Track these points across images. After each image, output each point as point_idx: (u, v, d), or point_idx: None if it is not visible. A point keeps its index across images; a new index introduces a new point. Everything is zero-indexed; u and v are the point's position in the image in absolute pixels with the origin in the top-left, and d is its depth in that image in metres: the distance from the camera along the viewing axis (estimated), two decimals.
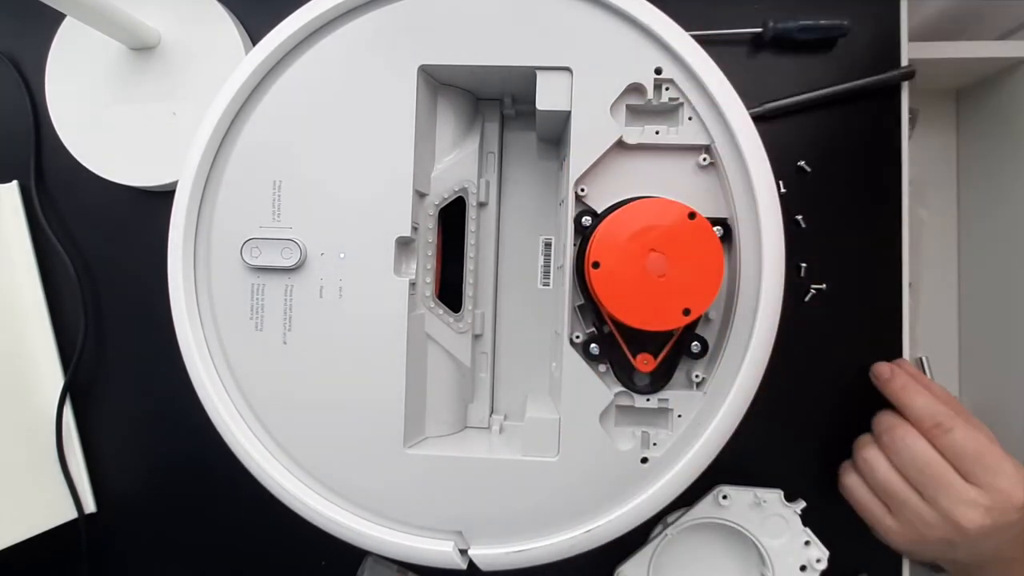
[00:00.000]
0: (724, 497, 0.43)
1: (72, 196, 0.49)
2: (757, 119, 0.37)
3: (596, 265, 0.32)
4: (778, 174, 0.34)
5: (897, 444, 0.40)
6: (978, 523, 0.37)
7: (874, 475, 0.41)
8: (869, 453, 0.42)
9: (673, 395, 0.35)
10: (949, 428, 0.38)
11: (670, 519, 0.44)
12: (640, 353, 0.34)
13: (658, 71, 0.34)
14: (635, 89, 0.34)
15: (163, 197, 0.48)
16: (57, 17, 0.46)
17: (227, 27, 0.46)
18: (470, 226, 0.40)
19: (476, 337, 0.40)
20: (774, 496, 0.43)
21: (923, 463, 0.39)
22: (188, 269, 0.36)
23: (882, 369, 0.43)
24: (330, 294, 0.35)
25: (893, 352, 0.46)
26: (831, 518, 0.44)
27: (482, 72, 0.36)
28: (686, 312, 0.32)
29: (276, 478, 0.35)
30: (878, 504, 0.41)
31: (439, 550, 0.34)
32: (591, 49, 0.34)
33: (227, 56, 0.46)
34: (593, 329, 0.35)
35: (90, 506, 0.49)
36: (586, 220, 0.34)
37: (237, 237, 0.35)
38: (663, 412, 0.35)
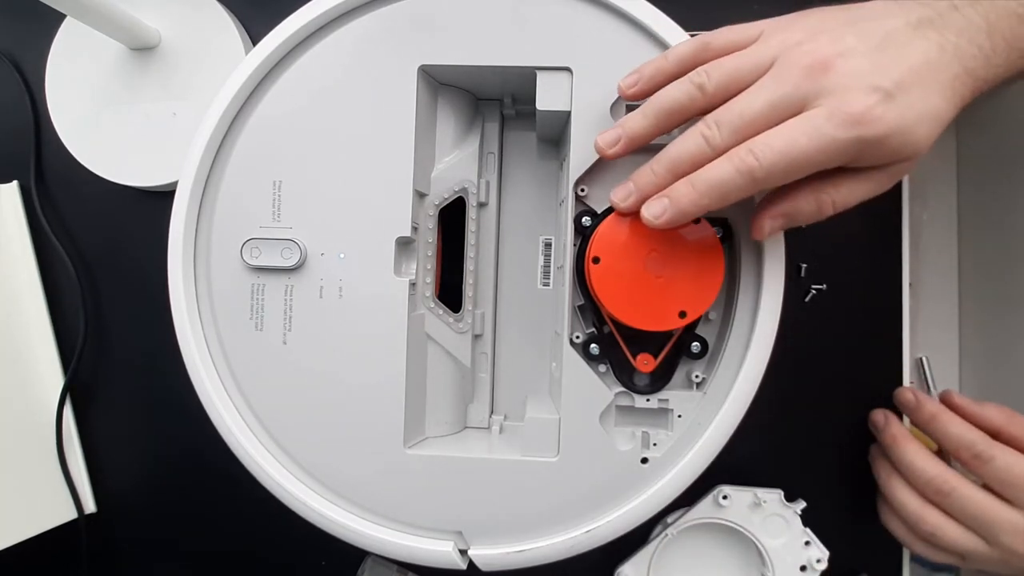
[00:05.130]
0: (724, 497, 0.43)
1: (72, 196, 0.49)
2: None
3: (596, 260, 0.32)
4: None
5: (949, 499, 0.37)
6: None
7: (932, 535, 0.38)
8: (927, 513, 0.38)
9: (673, 395, 0.35)
10: (988, 457, 0.37)
11: (670, 519, 0.44)
12: (640, 353, 0.34)
13: None
14: None
15: (163, 197, 0.48)
16: (57, 17, 0.46)
17: (227, 27, 0.46)
18: (470, 226, 0.39)
19: (476, 337, 0.40)
20: (774, 496, 0.43)
21: (975, 509, 0.37)
22: (188, 269, 0.36)
23: (907, 396, 0.42)
24: (330, 294, 0.35)
25: (893, 352, 0.46)
26: (831, 518, 0.44)
27: (482, 72, 0.36)
28: (682, 315, 0.32)
29: (276, 478, 0.35)
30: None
31: (439, 550, 0.34)
32: (591, 49, 0.34)
33: (227, 56, 0.46)
34: (593, 329, 0.35)
35: (90, 506, 0.49)
36: (586, 220, 0.34)
37: (237, 237, 0.35)
38: (663, 412, 0.35)
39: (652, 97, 0.30)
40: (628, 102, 0.34)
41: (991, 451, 0.37)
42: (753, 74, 0.28)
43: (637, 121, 0.31)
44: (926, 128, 0.27)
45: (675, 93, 0.30)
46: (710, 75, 0.29)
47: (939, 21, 0.28)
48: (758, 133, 0.27)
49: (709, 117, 0.29)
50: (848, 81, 0.27)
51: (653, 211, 0.29)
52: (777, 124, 0.27)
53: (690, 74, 0.30)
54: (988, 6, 0.28)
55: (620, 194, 0.31)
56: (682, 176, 0.29)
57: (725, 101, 0.29)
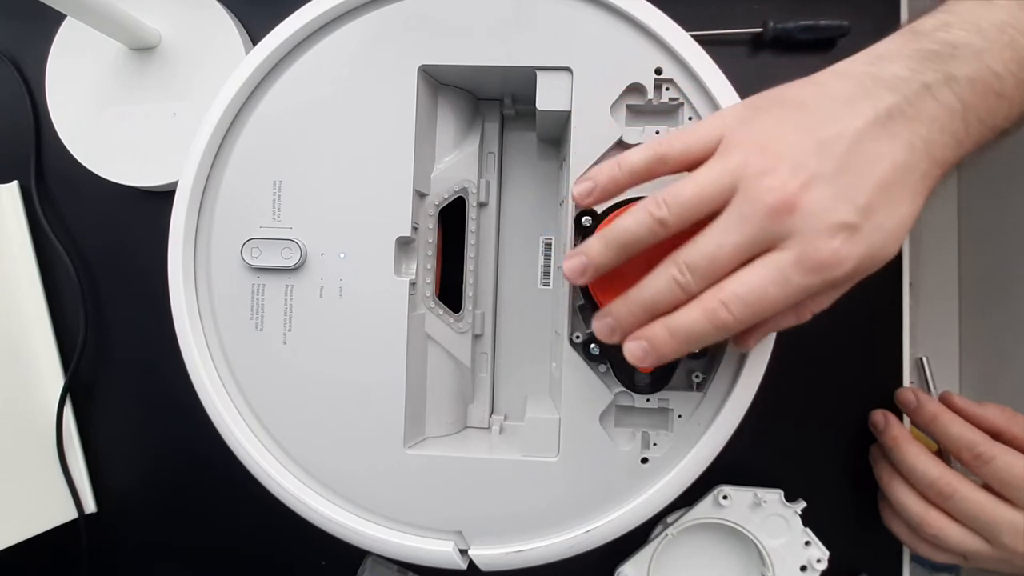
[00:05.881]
0: (724, 497, 0.43)
1: (72, 196, 0.49)
2: None
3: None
4: None
5: (950, 501, 0.38)
6: None
7: (935, 537, 0.39)
8: (929, 516, 0.39)
9: (673, 395, 0.35)
10: (988, 457, 0.37)
11: (670, 519, 0.44)
12: None
13: (658, 71, 0.34)
14: (635, 89, 0.34)
15: (163, 197, 0.48)
16: (57, 17, 0.46)
17: (227, 27, 0.46)
18: (470, 226, 0.40)
19: (476, 337, 0.40)
20: (774, 496, 0.43)
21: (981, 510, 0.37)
22: (188, 269, 0.36)
23: (907, 396, 0.42)
24: (330, 294, 0.35)
25: (893, 352, 0.46)
26: (831, 518, 0.44)
27: (482, 72, 0.36)
28: None
29: (276, 478, 0.35)
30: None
31: (439, 550, 0.34)
32: (591, 49, 0.34)
33: (227, 56, 0.46)
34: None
35: (90, 506, 0.49)
36: (586, 220, 0.34)
37: (237, 237, 0.35)
38: (663, 412, 0.35)
39: (613, 229, 0.29)
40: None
41: (992, 451, 0.37)
42: (714, 204, 0.28)
43: (600, 252, 0.30)
44: (894, 243, 0.27)
45: (635, 228, 0.29)
46: (671, 209, 0.28)
47: (910, 111, 0.27)
48: (728, 272, 0.27)
49: (680, 260, 0.28)
50: (813, 222, 0.26)
51: (636, 355, 0.29)
52: (745, 261, 0.27)
53: (649, 206, 0.28)
54: (965, 85, 0.27)
55: (604, 332, 0.31)
56: (659, 315, 0.29)
57: (685, 228, 0.28)
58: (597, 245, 0.30)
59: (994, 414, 0.39)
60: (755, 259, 0.27)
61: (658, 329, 0.28)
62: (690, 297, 0.28)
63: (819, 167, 0.26)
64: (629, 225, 0.29)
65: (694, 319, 0.27)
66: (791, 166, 0.26)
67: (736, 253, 0.27)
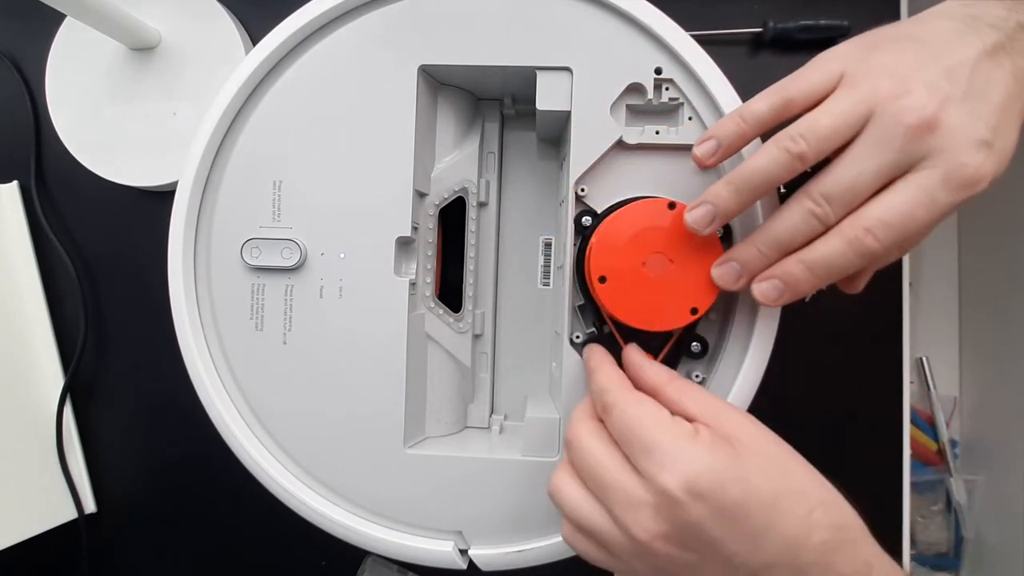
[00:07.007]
0: None
1: (72, 196, 0.49)
2: None
3: (603, 280, 0.32)
4: None
5: (572, 452, 0.28)
6: (652, 530, 0.25)
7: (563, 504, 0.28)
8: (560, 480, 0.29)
9: None
10: (610, 406, 0.28)
11: None
12: None
13: (658, 71, 0.34)
14: (635, 89, 0.34)
15: (163, 197, 0.48)
16: (57, 17, 0.46)
17: (227, 27, 0.46)
18: (470, 226, 0.40)
19: (476, 337, 0.40)
20: None
21: (593, 466, 0.27)
22: (188, 269, 0.36)
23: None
24: (330, 294, 0.35)
25: (893, 352, 0.46)
26: None
27: (482, 72, 0.36)
28: (694, 311, 0.31)
29: (276, 478, 0.35)
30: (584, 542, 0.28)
31: (439, 550, 0.34)
32: (591, 49, 0.34)
33: (227, 56, 0.46)
34: (593, 329, 0.35)
35: (90, 506, 0.49)
36: (586, 220, 0.34)
37: (237, 237, 0.35)
38: None
39: (743, 171, 0.28)
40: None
41: (614, 398, 0.28)
42: (850, 133, 0.27)
43: (729, 198, 0.29)
44: (1006, 164, 0.28)
45: (770, 167, 0.28)
46: (808, 142, 0.27)
47: (1010, 45, 0.28)
48: (864, 200, 0.27)
49: (815, 192, 0.28)
50: (956, 139, 0.26)
51: (770, 296, 0.29)
52: (882, 187, 0.27)
53: (784, 143, 0.28)
54: None
55: (729, 277, 0.30)
56: (789, 252, 0.28)
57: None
58: (725, 191, 0.29)
59: (655, 372, 0.30)
60: (892, 184, 0.27)
61: (792, 266, 0.28)
62: (826, 229, 0.28)
63: (951, 89, 0.27)
64: (763, 164, 0.28)
65: (835, 250, 0.27)
66: (925, 87, 0.27)
67: (876, 179, 0.27)
